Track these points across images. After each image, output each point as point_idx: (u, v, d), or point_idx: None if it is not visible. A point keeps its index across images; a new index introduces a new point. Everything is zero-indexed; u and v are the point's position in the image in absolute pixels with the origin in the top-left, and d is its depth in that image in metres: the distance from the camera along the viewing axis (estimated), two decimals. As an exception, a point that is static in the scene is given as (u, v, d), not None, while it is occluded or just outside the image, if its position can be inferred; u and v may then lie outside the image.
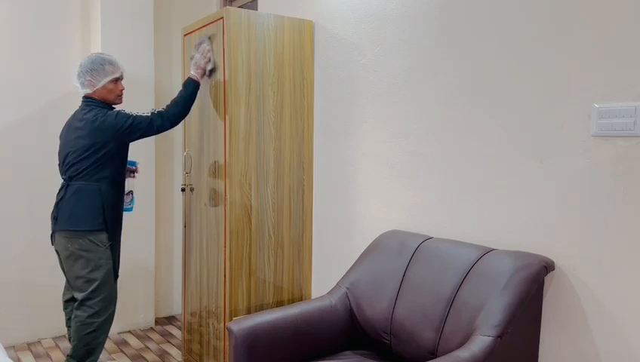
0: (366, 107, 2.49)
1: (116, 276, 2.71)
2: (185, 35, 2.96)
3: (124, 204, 2.76)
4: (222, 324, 2.65)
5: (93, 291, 2.56)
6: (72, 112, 3.48)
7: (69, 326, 2.76)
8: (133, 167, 2.88)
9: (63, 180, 2.62)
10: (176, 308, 3.98)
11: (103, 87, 2.60)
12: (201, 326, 2.87)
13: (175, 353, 3.27)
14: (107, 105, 2.64)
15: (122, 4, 3.42)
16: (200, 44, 2.68)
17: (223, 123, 2.59)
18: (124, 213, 2.82)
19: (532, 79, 1.80)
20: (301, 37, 2.74)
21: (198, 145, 2.86)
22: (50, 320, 3.48)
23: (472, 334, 1.64)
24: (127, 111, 2.58)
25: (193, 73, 2.65)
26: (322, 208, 2.79)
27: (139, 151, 3.52)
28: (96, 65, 2.59)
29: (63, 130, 2.70)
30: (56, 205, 2.59)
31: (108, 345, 3.36)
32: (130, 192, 2.88)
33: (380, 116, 2.42)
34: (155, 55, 3.70)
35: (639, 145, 1.54)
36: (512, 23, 1.85)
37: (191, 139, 2.96)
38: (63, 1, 3.41)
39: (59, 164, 2.64)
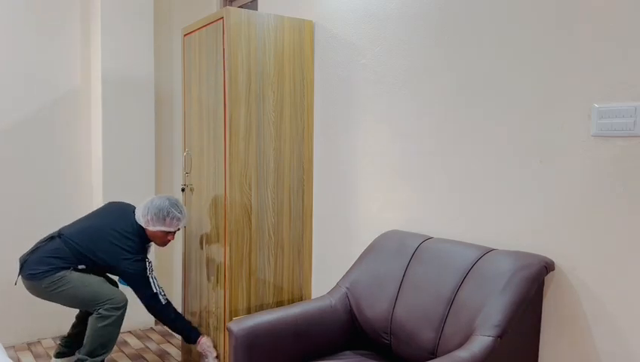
0: (366, 107, 2.49)
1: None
2: (185, 35, 2.96)
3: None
4: (222, 324, 2.65)
5: (94, 301, 2.59)
6: (74, 114, 3.48)
7: (76, 317, 2.89)
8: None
9: (56, 233, 2.69)
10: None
11: (155, 230, 2.69)
12: (201, 326, 2.87)
13: (175, 353, 3.27)
14: (150, 239, 2.73)
15: (122, 4, 3.42)
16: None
17: (223, 123, 2.59)
18: (126, 287, 2.81)
19: (532, 79, 1.80)
20: (301, 37, 2.74)
21: (198, 145, 2.86)
22: (50, 320, 3.48)
23: (471, 334, 1.64)
24: (149, 267, 2.65)
25: (199, 348, 2.69)
26: (322, 208, 2.79)
27: (139, 150, 3.52)
28: (162, 213, 2.66)
29: (107, 205, 2.85)
30: (34, 247, 2.65)
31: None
32: None
33: (380, 116, 2.42)
34: (155, 55, 3.71)
35: (639, 145, 1.54)
36: (512, 23, 1.85)
37: (191, 139, 2.96)
38: (63, 1, 3.41)
39: (75, 222, 2.75)
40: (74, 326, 2.90)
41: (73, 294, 2.57)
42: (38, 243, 2.69)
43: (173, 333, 3.58)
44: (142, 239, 2.69)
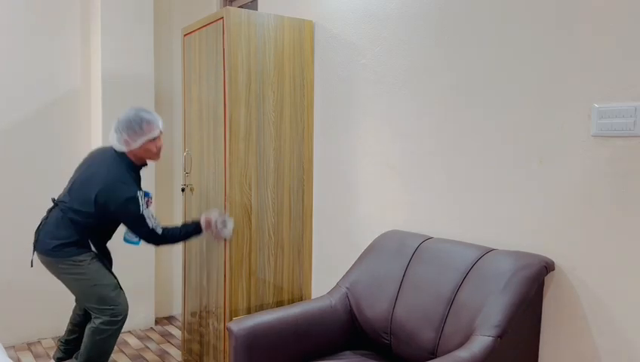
0: (366, 107, 2.49)
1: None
2: (185, 35, 2.96)
3: (131, 236, 2.67)
4: (222, 324, 2.65)
5: (96, 304, 2.52)
6: (74, 114, 3.49)
7: (72, 322, 2.80)
8: (146, 198, 2.67)
9: (54, 200, 2.60)
10: (176, 308, 3.98)
11: (140, 147, 2.50)
12: (201, 326, 2.87)
13: (175, 353, 3.27)
14: (140, 162, 2.57)
15: (122, 4, 3.42)
16: (220, 215, 2.56)
17: (223, 123, 2.59)
18: (130, 245, 2.71)
19: (532, 79, 1.80)
20: (301, 37, 2.74)
21: (198, 145, 2.86)
22: (50, 320, 3.48)
23: (472, 334, 1.64)
24: (141, 201, 2.45)
25: (203, 226, 2.56)
26: (322, 208, 2.79)
27: (139, 151, 3.52)
28: (134, 125, 2.47)
29: (87, 158, 2.66)
30: (41, 224, 2.57)
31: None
32: (147, 194, 2.69)
33: (380, 116, 2.42)
34: (155, 55, 3.70)
35: (639, 145, 1.54)
36: (512, 23, 1.85)
37: (191, 139, 2.96)
38: (63, 1, 3.41)
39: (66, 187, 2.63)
40: (71, 331, 2.82)
41: (83, 287, 2.51)
42: (44, 217, 2.59)
43: (174, 328, 3.58)
44: (130, 169, 2.51)
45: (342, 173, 2.65)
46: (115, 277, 2.61)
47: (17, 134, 3.32)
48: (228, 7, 2.55)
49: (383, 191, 2.43)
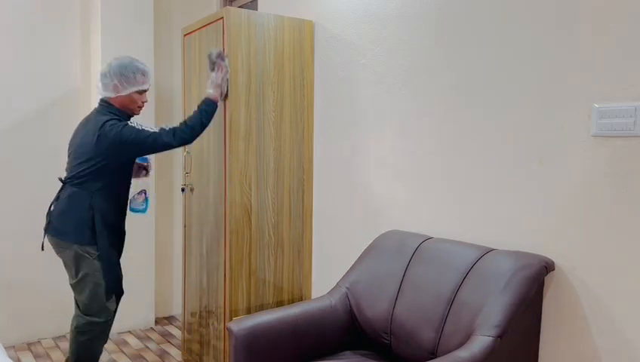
0: (366, 107, 2.49)
1: (120, 292, 2.56)
2: (185, 35, 2.96)
3: (136, 204, 2.59)
4: (222, 324, 2.65)
5: (86, 300, 2.44)
6: (74, 114, 3.49)
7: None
8: (145, 163, 2.63)
9: (61, 180, 2.50)
10: (176, 308, 3.98)
11: (128, 95, 2.42)
12: (201, 326, 2.87)
13: (175, 353, 3.27)
14: (124, 113, 2.46)
15: (122, 4, 3.42)
16: (217, 59, 2.47)
17: (223, 123, 2.59)
18: (137, 214, 2.59)
19: (532, 79, 1.80)
20: (301, 37, 2.74)
21: (198, 145, 2.86)
22: (50, 320, 3.48)
23: (472, 334, 1.64)
24: (136, 124, 2.38)
25: (212, 92, 2.45)
26: (322, 208, 2.79)
27: (139, 151, 3.51)
28: (128, 72, 2.40)
29: (75, 130, 2.56)
30: (51, 205, 2.48)
31: (108, 345, 3.36)
32: (143, 191, 2.65)
33: (380, 116, 2.42)
34: (155, 55, 3.70)
35: (639, 145, 1.54)
36: (512, 23, 1.85)
37: (191, 139, 2.96)
38: (64, 1, 3.41)
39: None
40: None
41: (80, 277, 2.41)
42: (54, 198, 2.49)
43: (174, 328, 3.58)
44: (116, 116, 2.41)
45: (342, 173, 2.65)
46: (121, 274, 2.54)
47: (17, 134, 3.32)
48: (228, 7, 2.55)
49: (382, 191, 2.43)
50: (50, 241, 2.46)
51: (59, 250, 2.45)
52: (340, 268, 2.68)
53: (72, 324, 2.52)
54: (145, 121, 3.54)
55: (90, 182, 2.37)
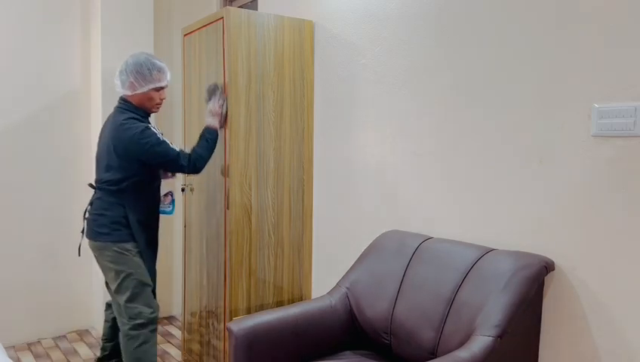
0: (366, 107, 2.49)
1: (153, 289, 2.52)
2: (185, 35, 2.96)
3: (163, 206, 2.57)
4: (222, 324, 2.65)
5: (128, 302, 2.39)
6: (74, 114, 3.49)
7: (108, 326, 2.68)
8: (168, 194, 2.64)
9: (92, 185, 2.51)
10: (176, 308, 3.98)
11: (145, 93, 2.39)
12: (201, 326, 2.87)
13: (175, 353, 3.27)
14: (142, 111, 2.43)
15: (122, 4, 3.42)
16: (213, 90, 2.52)
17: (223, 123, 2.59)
18: (164, 216, 2.56)
19: (532, 79, 1.80)
20: (301, 37, 2.74)
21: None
22: (50, 320, 3.48)
23: (472, 334, 1.64)
24: (159, 132, 2.38)
25: (211, 120, 2.48)
26: (322, 208, 2.79)
27: (139, 151, 3.51)
28: (144, 70, 2.36)
29: (100, 131, 2.54)
30: (86, 211, 2.47)
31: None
32: (169, 193, 2.64)
33: (380, 116, 2.42)
34: (155, 55, 3.70)
35: (639, 145, 1.54)
36: (512, 23, 1.85)
37: (191, 139, 2.96)
38: (63, 1, 3.41)
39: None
40: (107, 339, 2.70)
41: (120, 277, 2.37)
42: (89, 203, 2.48)
43: (174, 328, 3.58)
44: (135, 114, 2.39)
45: (342, 173, 2.65)
46: (155, 279, 2.52)
47: (17, 134, 3.32)
48: (228, 7, 2.55)
49: (383, 191, 2.43)
50: (89, 246, 2.46)
51: (98, 253, 2.42)
52: (340, 268, 2.68)
53: (120, 334, 2.44)
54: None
55: (117, 184, 2.36)
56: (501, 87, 1.90)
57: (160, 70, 2.40)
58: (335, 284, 2.26)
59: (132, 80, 2.35)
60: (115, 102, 3.37)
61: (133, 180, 2.38)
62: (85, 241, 2.53)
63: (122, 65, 2.39)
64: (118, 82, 2.40)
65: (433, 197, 2.18)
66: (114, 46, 3.40)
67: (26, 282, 3.38)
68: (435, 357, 1.75)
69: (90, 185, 2.51)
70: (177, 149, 2.37)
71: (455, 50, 2.06)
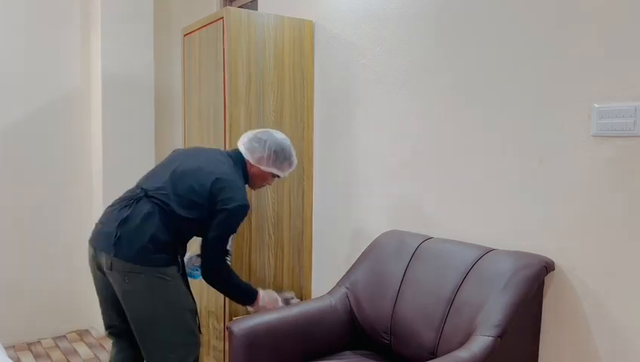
0: (366, 107, 2.49)
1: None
2: (185, 35, 2.96)
3: (190, 268, 2.27)
4: (222, 324, 2.65)
5: (169, 335, 1.97)
6: (74, 114, 3.49)
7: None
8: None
9: (133, 192, 2.05)
10: (176, 308, 3.98)
11: (265, 171, 2.18)
12: (201, 325, 2.87)
13: (175, 353, 3.26)
14: (246, 180, 2.19)
15: (122, 4, 3.42)
16: (287, 301, 2.29)
17: (222, 123, 2.59)
18: (190, 279, 2.19)
19: (532, 79, 1.80)
20: (301, 37, 2.74)
21: (198, 145, 2.86)
22: (50, 320, 3.48)
23: (472, 334, 1.64)
24: (235, 224, 2.05)
25: (261, 304, 2.14)
26: (322, 208, 2.79)
27: (139, 150, 3.52)
28: (282, 154, 2.17)
29: (187, 150, 2.24)
30: (120, 222, 1.94)
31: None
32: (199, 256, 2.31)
33: (380, 116, 2.42)
34: (155, 55, 3.70)
35: (639, 145, 1.54)
36: (512, 23, 1.85)
37: (191, 139, 2.96)
38: (63, 1, 3.41)
39: (148, 175, 2.13)
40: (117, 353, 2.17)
41: (159, 309, 1.94)
42: (120, 206, 2.00)
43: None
44: (244, 179, 2.15)
45: (342, 173, 2.65)
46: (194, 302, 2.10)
47: (17, 134, 3.32)
48: (228, 7, 2.55)
49: (382, 191, 2.43)
50: (112, 265, 1.92)
51: (126, 274, 1.91)
52: (340, 268, 2.68)
53: None
54: (145, 120, 3.54)
55: (182, 215, 1.97)
56: (501, 87, 1.90)
57: (291, 164, 2.23)
58: (335, 284, 2.26)
59: (265, 155, 2.15)
60: (114, 103, 3.41)
61: (198, 221, 2.02)
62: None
63: (264, 134, 2.18)
64: (246, 141, 2.18)
65: (433, 197, 2.18)
66: (114, 46, 3.40)
67: (26, 282, 3.38)
68: (435, 357, 1.75)
69: (141, 190, 2.03)
70: (232, 242, 2.14)
71: (455, 50, 2.06)
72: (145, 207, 1.96)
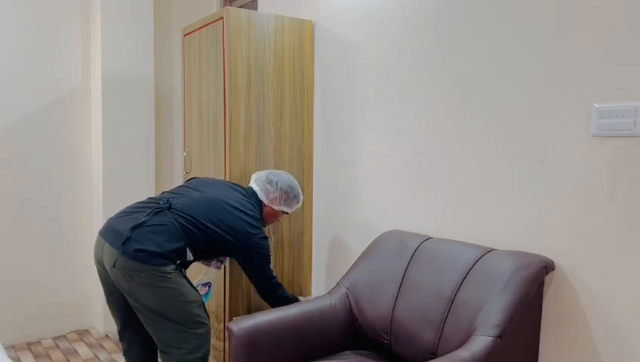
0: (366, 107, 2.49)
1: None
2: (185, 35, 2.96)
3: (202, 291, 2.42)
4: (222, 324, 2.65)
5: (179, 328, 2.06)
6: (74, 114, 3.48)
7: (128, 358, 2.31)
8: (222, 259, 2.45)
9: (157, 202, 2.14)
10: (176, 308, 3.98)
11: (276, 210, 2.38)
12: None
13: (175, 353, 3.26)
14: (262, 219, 2.34)
15: (122, 4, 3.42)
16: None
17: (223, 123, 2.59)
18: None
19: (532, 79, 1.80)
20: (301, 37, 2.74)
21: (198, 145, 2.86)
22: (50, 320, 3.48)
23: (472, 334, 1.64)
24: (269, 248, 2.23)
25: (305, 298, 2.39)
26: (322, 208, 2.79)
27: (139, 150, 3.52)
28: (291, 194, 2.39)
29: (211, 179, 2.39)
30: (136, 225, 2.04)
31: (107, 345, 3.36)
32: (208, 284, 2.48)
33: (379, 116, 2.42)
34: (155, 55, 3.70)
35: (639, 145, 1.54)
36: (512, 23, 1.85)
37: (191, 138, 2.96)
38: (63, 1, 3.41)
39: (175, 191, 2.26)
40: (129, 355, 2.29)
41: (168, 302, 2.02)
42: (140, 210, 2.12)
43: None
44: (260, 216, 2.34)
45: (342, 173, 2.65)
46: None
47: (17, 134, 3.32)
48: (228, 7, 2.55)
49: (382, 191, 2.43)
50: (118, 262, 2.00)
51: (127, 273, 1.99)
52: (340, 268, 2.68)
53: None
54: (145, 120, 3.54)
55: (193, 232, 2.09)
56: (501, 87, 1.90)
57: (299, 201, 2.45)
58: (335, 284, 2.26)
59: (277, 196, 2.36)
60: (114, 103, 3.41)
61: (206, 244, 2.13)
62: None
63: (276, 177, 2.39)
64: (261, 183, 2.36)
65: (433, 197, 2.18)
66: (114, 46, 3.40)
67: (26, 282, 3.38)
68: (435, 357, 1.75)
69: (165, 201, 2.15)
70: (271, 272, 2.25)
71: (455, 50, 2.06)
72: (164, 218, 2.08)
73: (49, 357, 3.19)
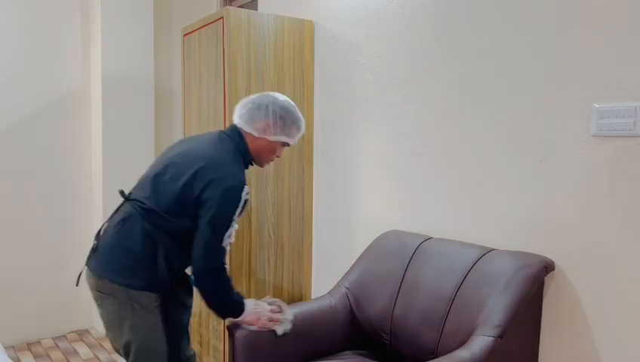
0: (366, 107, 2.49)
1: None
2: (185, 35, 2.96)
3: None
4: (222, 324, 2.64)
5: None
6: (74, 114, 3.49)
7: None
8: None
9: (125, 199, 1.83)
10: (176, 308, 3.98)
11: (272, 142, 1.89)
12: (201, 326, 2.87)
13: (175, 353, 3.26)
14: (249, 160, 1.91)
15: (122, 4, 3.42)
16: (280, 309, 1.97)
17: (223, 123, 2.59)
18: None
19: (532, 79, 1.80)
20: (301, 37, 2.73)
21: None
22: (50, 320, 3.48)
23: (472, 334, 1.64)
24: (238, 213, 1.76)
25: (247, 316, 1.85)
26: (322, 208, 2.79)
27: (139, 150, 3.52)
28: (288, 118, 1.88)
29: (175, 144, 1.98)
30: (102, 228, 1.83)
31: (107, 345, 3.36)
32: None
33: (379, 116, 2.42)
34: (155, 55, 3.70)
35: (639, 145, 1.54)
36: (512, 23, 1.85)
37: (191, 139, 2.96)
38: (64, 1, 3.41)
39: (142, 177, 1.89)
40: None
41: (131, 337, 1.75)
42: (115, 222, 1.79)
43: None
44: (241, 159, 1.86)
45: (342, 173, 2.65)
46: (188, 337, 1.89)
47: (17, 134, 3.32)
48: (228, 7, 2.55)
49: (382, 191, 2.42)
50: (88, 280, 1.80)
51: (98, 295, 1.77)
52: (340, 268, 2.68)
53: None
54: (145, 120, 3.54)
55: (164, 225, 1.73)
56: (501, 87, 1.90)
57: (300, 127, 1.93)
58: (335, 284, 2.26)
59: (271, 121, 1.85)
60: (114, 103, 3.41)
61: (178, 230, 1.76)
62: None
63: (263, 99, 1.88)
64: (244, 112, 1.88)
65: (433, 197, 2.18)
66: (114, 46, 3.40)
67: (26, 282, 3.38)
68: (435, 357, 1.75)
69: (122, 194, 1.85)
70: (226, 246, 1.80)
71: (455, 50, 2.06)
72: (134, 223, 1.72)
73: (49, 357, 3.19)
